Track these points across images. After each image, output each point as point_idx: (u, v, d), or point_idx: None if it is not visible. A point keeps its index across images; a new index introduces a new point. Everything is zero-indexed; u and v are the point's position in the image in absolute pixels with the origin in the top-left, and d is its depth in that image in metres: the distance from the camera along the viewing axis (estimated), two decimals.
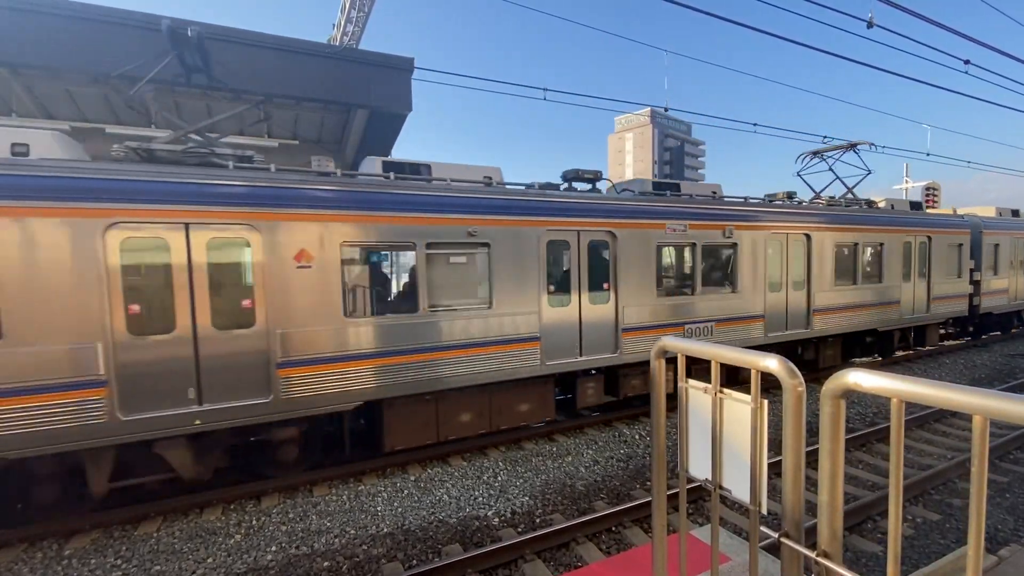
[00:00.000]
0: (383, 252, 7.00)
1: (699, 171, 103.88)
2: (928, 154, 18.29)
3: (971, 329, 15.88)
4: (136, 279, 5.47)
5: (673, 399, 1.99)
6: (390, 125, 9.93)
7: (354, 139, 10.88)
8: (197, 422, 5.63)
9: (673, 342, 1.94)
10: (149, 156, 6.01)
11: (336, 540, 5.32)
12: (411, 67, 9.00)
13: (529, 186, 8.20)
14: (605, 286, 8.25)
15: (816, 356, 11.17)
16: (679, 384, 1.93)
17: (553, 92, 10.38)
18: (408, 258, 7.07)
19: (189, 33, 6.86)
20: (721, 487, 1.80)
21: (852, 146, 12.51)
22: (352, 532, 5.47)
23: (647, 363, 7.97)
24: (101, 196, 5.24)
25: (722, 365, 1.77)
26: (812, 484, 5.74)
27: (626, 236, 8.32)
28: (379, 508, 5.96)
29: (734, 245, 9.44)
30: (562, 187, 8.64)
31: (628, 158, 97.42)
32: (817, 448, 1.46)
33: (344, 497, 6.22)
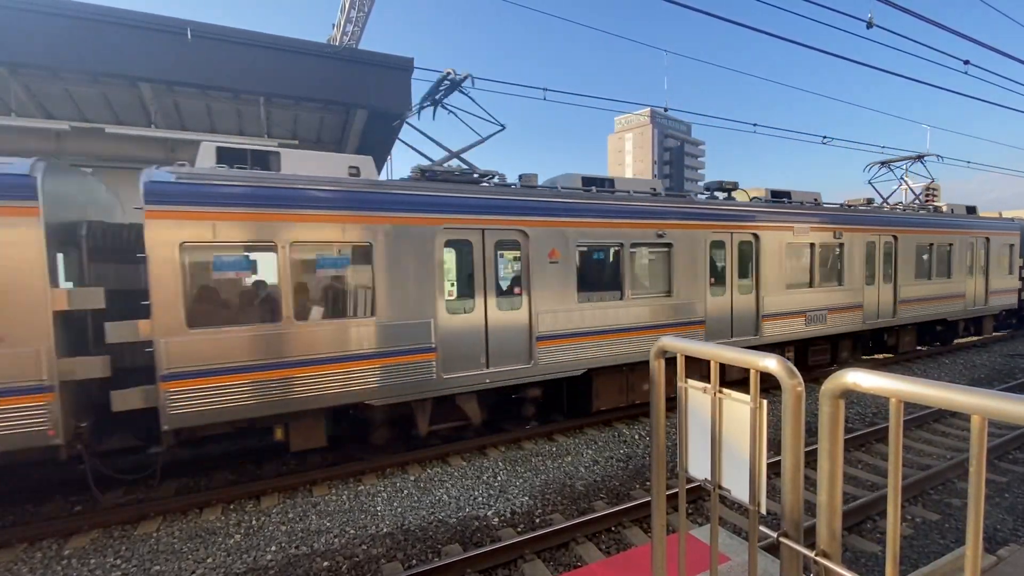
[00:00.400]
0: (597, 251, 8.58)
1: (699, 171, 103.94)
2: (928, 154, 18.28)
3: (1014, 321, 17.37)
4: (450, 268, 7.20)
5: (673, 400, 2.00)
6: (390, 125, 9.93)
7: (354, 139, 10.89)
8: (487, 380, 7.31)
9: (672, 342, 1.94)
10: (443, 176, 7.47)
11: (336, 540, 5.32)
12: (410, 67, 9.00)
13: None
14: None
15: (897, 342, 12.79)
16: (678, 384, 1.93)
17: (553, 92, 10.38)
18: (612, 254, 8.50)
19: (189, 35, 6.87)
20: (720, 487, 1.80)
21: (919, 157, 14.28)
22: (352, 532, 5.47)
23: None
24: (438, 208, 6.92)
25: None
26: (812, 484, 5.75)
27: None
28: (379, 508, 5.96)
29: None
30: (703, 196, 9.44)
31: (628, 158, 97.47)
32: (817, 448, 1.46)
33: (344, 497, 6.22)
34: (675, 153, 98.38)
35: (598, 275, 8.61)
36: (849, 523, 5.45)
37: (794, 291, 10.20)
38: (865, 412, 9.17)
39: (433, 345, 6.86)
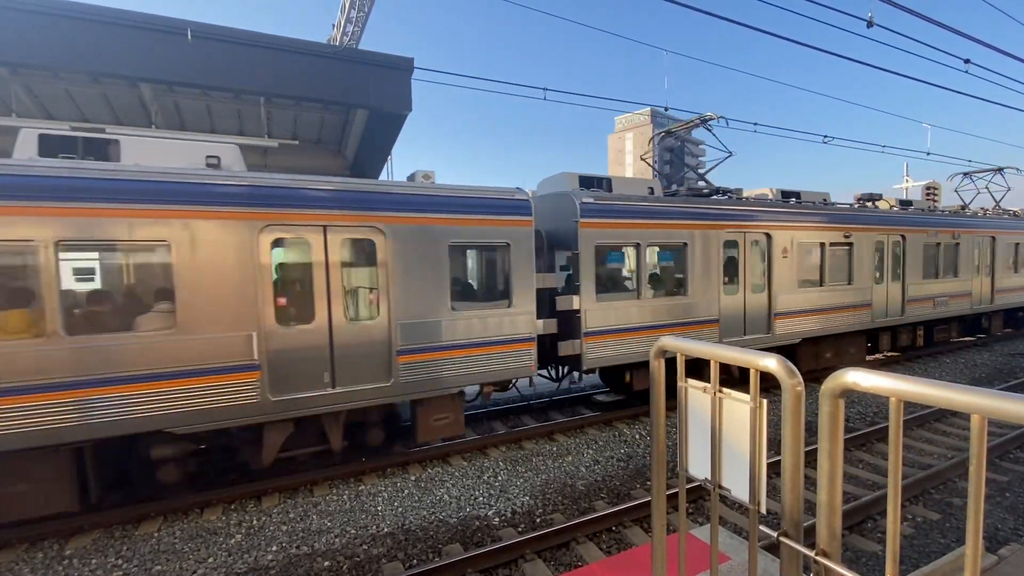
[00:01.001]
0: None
1: (699, 171, 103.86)
2: (928, 153, 18.32)
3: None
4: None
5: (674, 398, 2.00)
6: (390, 125, 9.93)
7: (354, 139, 10.90)
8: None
9: (673, 342, 1.94)
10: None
11: (336, 540, 5.33)
12: (411, 67, 9.00)
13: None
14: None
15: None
16: (678, 384, 1.93)
17: (553, 92, 10.38)
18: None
19: (189, 36, 6.87)
20: (720, 487, 1.80)
21: (999, 170, 15.42)
22: (352, 532, 5.47)
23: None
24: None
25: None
26: (812, 483, 5.74)
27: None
28: (379, 508, 5.96)
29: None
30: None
31: (628, 158, 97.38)
32: (817, 447, 1.46)
33: (344, 497, 6.22)
34: (676, 153, 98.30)
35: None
36: (850, 523, 5.45)
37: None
38: (866, 412, 9.16)
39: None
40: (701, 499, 6.06)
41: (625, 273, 8.95)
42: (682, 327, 8.91)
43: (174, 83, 8.34)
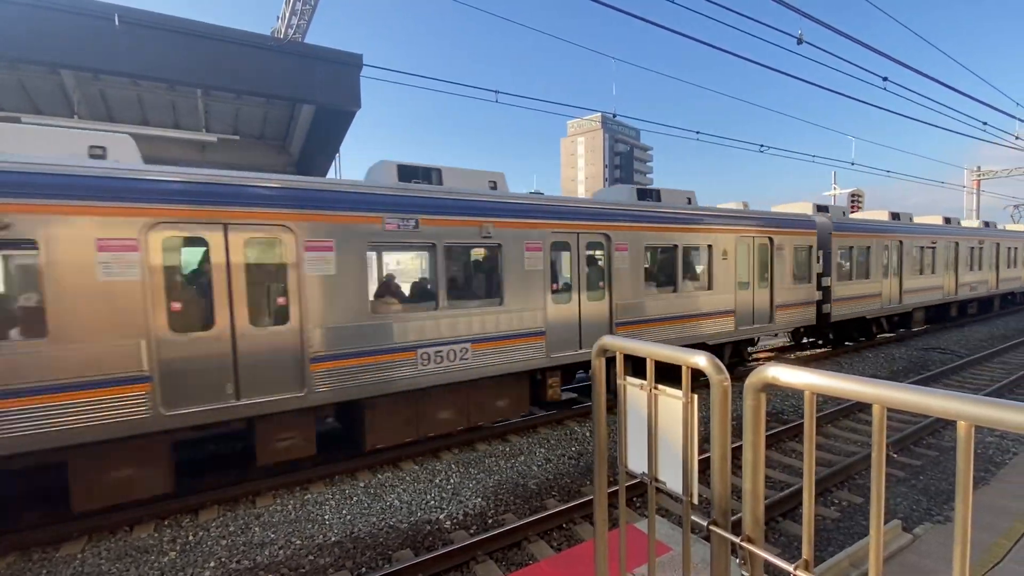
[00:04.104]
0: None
1: (647, 175, 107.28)
2: (853, 163, 19.69)
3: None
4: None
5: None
6: (338, 122, 9.68)
7: (299, 135, 10.55)
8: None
9: (613, 341, 2.00)
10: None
11: (280, 552, 5.13)
12: (359, 63, 8.81)
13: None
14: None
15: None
16: (618, 381, 1.99)
17: (505, 95, 10.44)
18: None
19: (116, 21, 6.44)
20: (657, 480, 1.87)
21: None
22: (298, 542, 5.29)
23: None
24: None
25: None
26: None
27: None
28: (327, 517, 5.79)
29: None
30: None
31: (580, 161, 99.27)
32: (744, 441, 1.55)
33: (290, 507, 6.00)
34: (625, 158, 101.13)
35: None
36: (784, 509, 5.78)
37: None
38: (800, 404, 9.75)
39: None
40: (646, 493, 6.25)
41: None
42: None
43: (100, 70, 7.80)
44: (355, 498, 6.20)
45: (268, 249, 6.12)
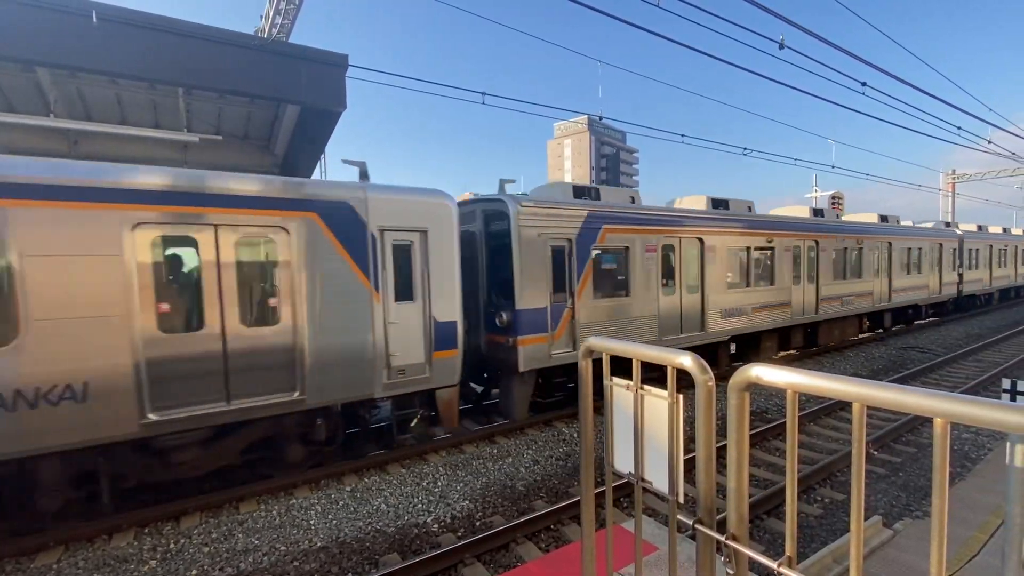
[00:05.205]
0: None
1: (633, 177, 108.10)
2: (833, 166, 20.09)
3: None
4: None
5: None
6: (323, 122, 9.59)
7: (284, 136, 10.42)
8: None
9: (599, 342, 2.01)
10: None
11: (265, 558, 5.05)
12: (345, 63, 8.75)
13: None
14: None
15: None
16: (604, 382, 2.00)
17: (492, 96, 10.42)
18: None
19: (94, 18, 6.31)
20: (643, 480, 1.88)
21: None
22: (283, 548, 5.21)
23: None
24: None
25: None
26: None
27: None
28: (312, 522, 5.72)
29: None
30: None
31: (567, 163, 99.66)
32: (725, 439, 1.56)
33: (274, 512, 5.91)
34: (611, 160, 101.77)
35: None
36: (768, 507, 5.86)
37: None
38: (784, 403, 9.89)
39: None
40: (633, 494, 6.28)
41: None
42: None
43: (77, 68, 7.62)
44: (341, 502, 6.14)
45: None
